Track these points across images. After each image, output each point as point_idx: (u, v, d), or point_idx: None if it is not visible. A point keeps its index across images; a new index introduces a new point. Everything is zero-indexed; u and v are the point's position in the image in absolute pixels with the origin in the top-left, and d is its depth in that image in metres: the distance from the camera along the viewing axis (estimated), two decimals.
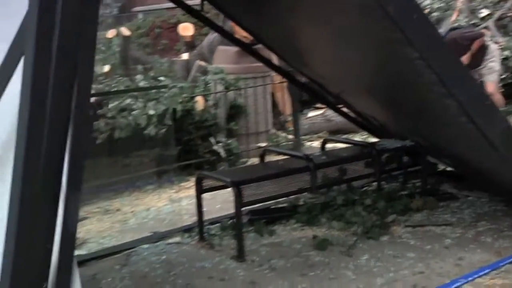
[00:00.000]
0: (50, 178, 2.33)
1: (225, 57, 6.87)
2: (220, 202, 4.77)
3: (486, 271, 3.48)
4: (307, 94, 5.92)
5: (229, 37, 5.00)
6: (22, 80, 2.26)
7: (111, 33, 7.26)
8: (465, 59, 6.56)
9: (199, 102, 6.11)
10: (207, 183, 4.16)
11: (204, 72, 6.66)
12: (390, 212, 4.43)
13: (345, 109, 5.36)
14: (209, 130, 6.14)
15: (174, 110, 5.62)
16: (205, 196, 4.33)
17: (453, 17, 8.88)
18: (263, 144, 6.51)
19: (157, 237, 4.27)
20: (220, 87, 6.37)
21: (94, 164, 5.52)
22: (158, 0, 11.84)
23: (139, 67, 7.14)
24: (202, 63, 7.10)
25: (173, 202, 5.25)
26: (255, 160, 5.57)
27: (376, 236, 4.08)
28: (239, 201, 3.83)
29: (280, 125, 7.54)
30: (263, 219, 4.41)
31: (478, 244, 3.89)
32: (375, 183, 4.86)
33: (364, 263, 3.70)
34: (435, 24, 8.39)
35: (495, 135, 3.55)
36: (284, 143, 6.82)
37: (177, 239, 4.26)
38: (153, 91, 5.83)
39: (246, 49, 4.99)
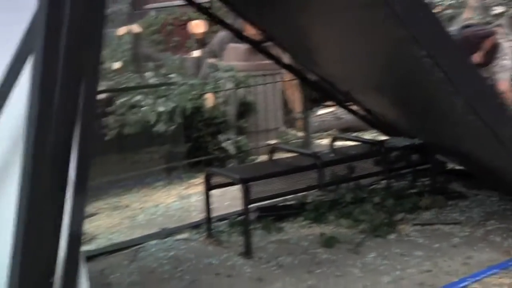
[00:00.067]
0: (57, 174, 2.35)
1: (235, 55, 6.88)
2: (229, 199, 4.78)
3: (495, 270, 3.47)
4: (317, 92, 5.91)
5: (238, 35, 5.01)
6: (31, 78, 2.29)
7: (122, 30, 7.29)
8: (477, 57, 6.51)
9: (209, 99, 6.13)
10: (215, 180, 4.18)
11: (215, 69, 6.67)
12: (398, 210, 4.43)
13: (354, 107, 5.35)
14: (218, 127, 6.16)
15: (184, 107, 5.64)
16: (214, 193, 4.35)
17: (466, 15, 8.81)
18: (273, 142, 6.51)
19: (165, 233, 4.30)
20: (230, 85, 6.38)
21: (104, 161, 5.57)
22: None
23: (150, 64, 7.17)
24: (213, 60, 7.11)
25: (182, 199, 5.28)
26: (264, 158, 5.58)
27: (383, 234, 4.07)
28: (247, 198, 3.84)
29: (290, 123, 7.54)
30: (271, 216, 4.42)
31: (487, 243, 3.87)
32: (384, 181, 4.86)
33: (371, 261, 3.70)
34: (447, 21, 8.35)
35: (505, 133, 3.53)
36: (293, 141, 6.83)
37: (185, 235, 4.29)
38: (163, 88, 5.85)
39: (256, 46, 5.00)
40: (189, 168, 5.88)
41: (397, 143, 4.63)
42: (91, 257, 3.95)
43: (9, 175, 2.50)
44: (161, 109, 5.57)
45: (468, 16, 8.70)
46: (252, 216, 4.31)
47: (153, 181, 5.76)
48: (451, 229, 4.16)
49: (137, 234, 4.41)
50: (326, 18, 3.70)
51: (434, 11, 7.11)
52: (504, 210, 4.43)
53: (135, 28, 7.16)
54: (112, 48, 6.77)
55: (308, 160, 4.21)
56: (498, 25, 8.31)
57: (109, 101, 5.71)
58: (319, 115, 7.76)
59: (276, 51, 5.27)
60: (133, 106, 5.68)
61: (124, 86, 6.01)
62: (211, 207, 4.23)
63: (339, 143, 5.33)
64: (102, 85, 5.86)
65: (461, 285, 3.35)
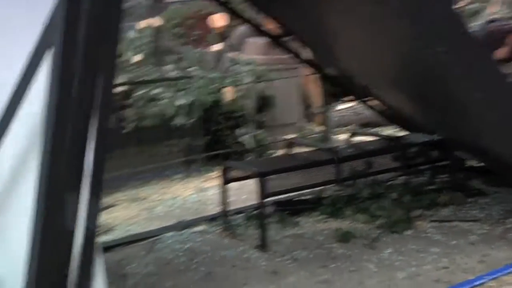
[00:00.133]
0: (74, 167, 2.39)
1: (255, 49, 6.88)
2: (247, 193, 4.79)
3: None
4: (336, 87, 5.89)
5: (258, 29, 5.00)
6: (49, 72, 2.33)
7: (143, 24, 7.33)
8: (502, 52, 6.41)
9: (228, 93, 6.14)
10: (232, 173, 4.20)
11: (234, 63, 6.68)
12: (416, 206, 4.40)
13: (373, 102, 5.32)
14: (237, 121, 6.17)
15: (203, 101, 5.67)
16: (232, 186, 4.38)
17: (490, 9, 8.68)
18: (291, 136, 6.51)
19: (182, 226, 4.33)
20: (249, 78, 6.38)
21: (123, 153, 5.64)
22: None
23: (171, 57, 7.20)
24: (233, 54, 7.12)
25: (199, 192, 5.31)
26: (282, 152, 5.58)
27: (400, 230, 4.05)
28: (263, 192, 3.85)
29: (310, 117, 7.52)
30: (287, 210, 4.43)
31: (505, 241, 3.82)
32: (402, 177, 4.83)
33: (387, 257, 3.68)
34: (471, 16, 8.24)
35: None
36: (312, 136, 6.81)
37: (201, 228, 4.32)
38: (183, 81, 5.88)
39: (275, 41, 4.99)
40: (207, 161, 5.92)
41: (415, 139, 4.60)
42: (109, 247, 4.01)
43: (28, 168, 2.55)
44: (180, 102, 5.60)
45: (493, 11, 8.58)
46: (269, 210, 4.33)
47: (171, 173, 5.81)
48: (469, 226, 4.12)
49: (154, 226, 4.45)
50: (345, 12, 3.68)
51: (458, 5, 7.04)
52: None
53: (156, 21, 7.19)
54: (132, 41, 6.81)
55: (326, 155, 4.21)
56: None
57: (128, 94, 5.75)
58: (339, 110, 7.73)
59: (295, 45, 5.25)
60: (152, 99, 5.72)
61: (143, 79, 6.05)
62: (228, 200, 4.26)
63: (357, 138, 5.33)
64: (122, 78, 5.93)
65: (478, 282, 3.31)
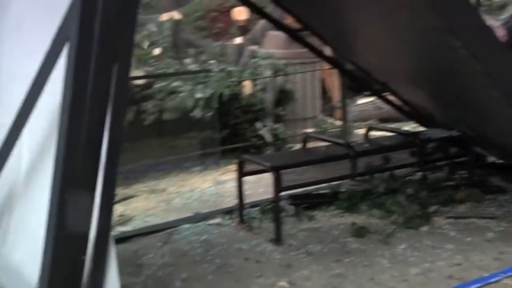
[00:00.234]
0: (90, 157, 2.45)
1: (275, 42, 6.89)
2: (264, 186, 4.82)
3: None
4: (354, 82, 5.88)
5: (276, 23, 5.02)
6: (66, 65, 2.39)
7: (165, 16, 7.39)
8: None
9: (247, 87, 6.17)
10: (248, 167, 4.23)
11: (254, 56, 6.70)
12: (432, 202, 4.39)
13: (392, 98, 5.30)
14: (256, 115, 6.19)
15: (221, 93, 5.70)
16: (249, 179, 4.42)
17: None
18: (310, 130, 6.52)
19: (198, 218, 4.39)
20: (268, 72, 6.40)
21: (143, 145, 5.72)
22: None
23: (191, 50, 7.25)
24: (254, 47, 7.13)
25: (217, 184, 5.36)
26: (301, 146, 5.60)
27: (416, 226, 4.05)
28: (278, 186, 3.88)
29: (329, 112, 7.51)
30: (303, 204, 4.45)
31: None
32: (419, 173, 4.81)
33: (401, 252, 3.69)
34: (498, 10, 8.13)
35: None
36: (332, 130, 6.81)
37: (217, 220, 4.37)
38: (202, 74, 5.92)
39: (292, 35, 5.00)
40: (226, 154, 5.96)
41: (433, 134, 4.57)
42: (127, 238, 4.09)
43: (46, 159, 2.62)
44: (198, 95, 5.64)
45: None
46: (284, 203, 4.36)
47: (190, 166, 5.87)
48: (486, 223, 4.10)
49: (172, 217, 4.51)
50: (364, 8, 3.68)
51: None
52: None
53: (176, 15, 7.25)
54: (153, 34, 6.88)
55: (341, 150, 4.22)
56: None
57: (148, 87, 5.82)
58: (359, 104, 7.70)
59: (313, 40, 5.25)
60: (172, 92, 5.77)
61: (163, 71, 6.11)
62: (245, 193, 4.30)
63: (376, 133, 5.32)
64: (142, 71, 6.00)
65: (492, 280, 3.30)
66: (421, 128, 5.30)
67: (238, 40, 7.78)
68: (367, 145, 4.52)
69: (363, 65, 4.89)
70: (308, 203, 4.47)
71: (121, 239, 3.99)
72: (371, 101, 7.56)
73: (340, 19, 4.22)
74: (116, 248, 3.39)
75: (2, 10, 3.33)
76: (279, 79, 6.50)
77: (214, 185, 5.36)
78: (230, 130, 6.04)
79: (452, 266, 3.48)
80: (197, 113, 5.70)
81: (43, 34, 2.59)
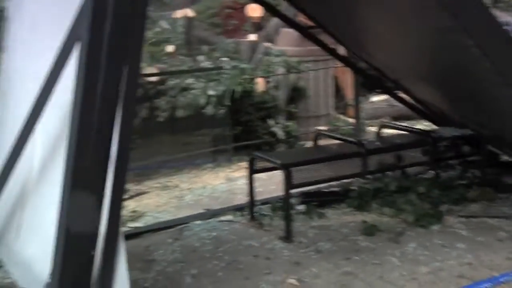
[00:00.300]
0: (100, 154, 2.48)
1: (288, 39, 6.88)
2: (275, 183, 4.83)
3: None
4: (366, 80, 5.86)
5: (288, 21, 5.02)
6: (77, 64, 2.43)
7: (179, 13, 7.43)
8: None
9: (260, 84, 6.18)
10: (259, 164, 4.25)
11: (266, 53, 6.71)
12: (444, 201, 4.37)
13: (404, 96, 5.28)
14: (268, 112, 6.20)
15: (233, 91, 5.72)
16: (261, 176, 4.44)
17: None
18: (323, 128, 6.51)
19: (209, 214, 4.41)
20: (281, 69, 6.40)
21: (156, 142, 5.76)
22: None
23: (204, 47, 7.28)
24: (268, 44, 7.13)
25: (229, 181, 5.38)
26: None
27: (426, 224, 4.04)
28: (289, 183, 3.89)
29: (343, 109, 7.50)
30: (314, 201, 4.45)
31: None
32: (432, 172, 4.79)
33: (411, 251, 3.68)
34: None
35: None
36: (344, 127, 6.79)
37: (228, 217, 4.38)
38: (215, 71, 5.94)
39: (305, 33, 4.99)
40: (238, 151, 5.97)
41: (445, 133, 4.55)
42: (138, 233, 4.13)
43: (58, 155, 2.65)
44: (211, 92, 5.66)
45: None
46: (296, 201, 4.37)
47: (202, 162, 5.90)
48: (498, 222, 4.08)
49: (183, 213, 4.54)
50: (376, 7, 3.67)
51: None
52: None
53: (189, 12, 7.27)
54: (166, 31, 6.91)
55: (352, 148, 4.21)
56: None
57: (161, 83, 5.85)
58: (373, 102, 7.67)
59: (326, 38, 5.24)
60: (184, 89, 5.80)
61: (176, 69, 6.14)
62: (256, 190, 4.31)
63: (389, 131, 5.30)
64: (155, 68, 6.04)
65: (502, 279, 3.28)
66: (434, 127, 5.29)
67: (252, 37, 7.79)
68: (378, 143, 4.51)
69: (375, 63, 4.88)
70: (318, 201, 4.47)
71: (132, 235, 4.03)
72: (385, 99, 7.53)
73: (352, 18, 4.21)
74: (127, 243, 3.43)
75: (16, 10, 3.38)
76: (292, 76, 6.50)
77: (226, 182, 5.38)
78: (243, 127, 6.05)
79: (463, 265, 3.46)
80: (209, 110, 5.72)
81: (55, 34, 2.63)
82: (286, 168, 3.85)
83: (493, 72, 3.27)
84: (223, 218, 4.37)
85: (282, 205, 4.13)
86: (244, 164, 5.75)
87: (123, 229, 2.76)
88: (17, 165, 2.95)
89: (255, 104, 6.12)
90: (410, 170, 4.78)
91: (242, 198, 4.72)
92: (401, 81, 4.84)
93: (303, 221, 4.24)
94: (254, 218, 4.27)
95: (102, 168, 2.49)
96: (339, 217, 4.33)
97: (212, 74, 5.94)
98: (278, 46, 7.04)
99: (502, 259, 3.52)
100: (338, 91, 7.52)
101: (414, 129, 4.94)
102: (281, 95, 6.38)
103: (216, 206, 4.66)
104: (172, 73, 5.98)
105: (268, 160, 4.14)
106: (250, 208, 4.29)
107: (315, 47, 6.22)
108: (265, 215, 4.35)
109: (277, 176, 4.53)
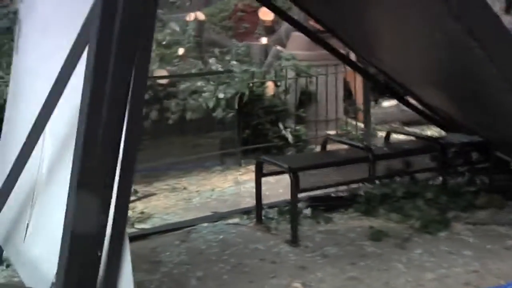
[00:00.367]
0: (107, 155, 2.51)
1: (298, 43, 6.89)
2: (283, 187, 4.84)
3: None
4: (376, 85, 5.86)
5: (297, 25, 5.03)
6: (86, 66, 2.46)
7: (191, 16, 7.47)
8: None
9: (270, 87, 6.19)
10: (267, 168, 4.26)
11: (278, 57, 6.72)
12: (451, 207, 4.36)
13: (413, 101, 5.27)
14: (278, 116, 6.22)
15: (241, 94, 5.74)
16: (269, 180, 4.46)
17: None
18: (332, 132, 6.52)
19: (217, 217, 4.43)
20: (291, 73, 6.41)
21: (166, 144, 5.79)
22: None
23: (216, 50, 7.31)
24: (280, 48, 7.15)
25: (237, 184, 5.40)
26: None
27: (434, 231, 4.03)
28: (296, 187, 3.90)
29: (353, 114, 7.49)
30: (322, 206, 4.46)
31: None
32: (439, 178, 4.78)
33: (417, 257, 3.68)
34: None
35: None
36: (354, 132, 6.79)
37: (235, 220, 4.40)
38: (225, 75, 5.97)
39: (314, 37, 5.00)
40: (247, 154, 5.99)
41: (454, 139, 4.54)
42: (146, 235, 4.15)
43: (66, 156, 2.68)
44: (221, 95, 5.69)
45: None
46: (303, 205, 4.38)
47: (212, 165, 5.92)
48: (506, 230, 4.05)
49: (190, 216, 4.56)
50: (384, 12, 3.67)
51: None
52: None
53: (200, 15, 7.31)
54: (177, 34, 6.95)
55: (360, 153, 4.22)
56: None
57: (172, 86, 5.88)
58: (384, 107, 7.66)
59: (336, 42, 5.24)
60: (194, 92, 5.83)
61: (186, 72, 6.17)
62: (264, 194, 4.33)
63: (400, 137, 5.30)
64: (165, 71, 6.07)
65: None
66: (444, 133, 5.27)
67: (264, 40, 7.82)
68: (386, 148, 4.51)
69: (384, 68, 4.88)
70: (326, 205, 4.47)
71: (140, 237, 4.06)
72: (395, 104, 7.52)
73: (361, 23, 4.22)
74: (134, 245, 3.47)
75: (28, 12, 3.43)
76: (302, 80, 6.51)
77: (234, 185, 5.40)
78: (252, 131, 6.07)
79: (469, 273, 3.45)
80: (218, 113, 5.75)
81: (66, 35, 2.67)
82: (293, 172, 3.86)
83: (499, 78, 3.27)
84: (230, 221, 4.38)
85: (289, 209, 4.14)
86: (253, 167, 5.76)
87: (128, 230, 2.78)
88: (26, 165, 2.98)
89: (265, 108, 6.14)
90: (419, 176, 4.77)
91: (250, 201, 4.72)
92: (410, 86, 4.83)
93: (310, 225, 4.25)
94: (261, 221, 4.29)
95: (109, 169, 2.52)
96: (346, 222, 4.33)
97: (222, 77, 5.96)
98: (288, 50, 7.05)
99: (510, 268, 3.50)
100: (349, 96, 7.52)
101: (422, 135, 4.94)
102: (291, 99, 6.40)
103: (224, 209, 4.68)
104: (182, 76, 6.01)
105: (275, 164, 4.15)
106: (257, 211, 4.31)
107: (326, 52, 6.25)
108: (272, 219, 4.36)
109: (285, 180, 4.53)
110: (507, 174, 4.89)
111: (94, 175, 2.49)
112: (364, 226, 4.19)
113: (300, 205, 4.27)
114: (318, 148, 6.27)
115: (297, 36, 7.05)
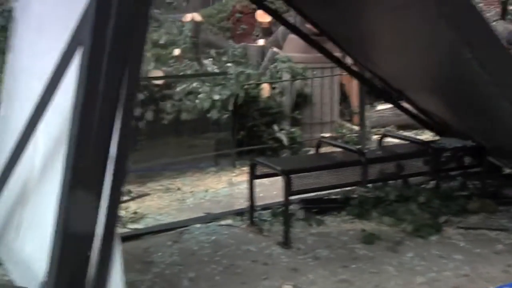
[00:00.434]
0: (99, 155, 2.52)
1: (294, 46, 6.90)
2: (277, 189, 4.84)
3: None
4: (371, 89, 5.88)
5: (292, 28, 5.05)
6: (79, 67, 2.47)
7: (188, 17, 7.48)
8: None
9: (265, 89, 6.21)
10: (260, 169, 4.27)
11: (274, 59, 6.74)
12: (444, 212, 4.38)
13: (408, 105, 5.29)
14: (273, 118, 6.23)
15: (237, 95, 5.75)
16: (263, 182, 4.46)
17: None
18: (327, 135, 6.53)
19: (210, 218, 4.44)
20: (287, 76, 6.43)
21: (161, 144, 5.79)
22: None
23: (212, 51, 7.32)
24: (277, 50, 7.16)
25: (231, 185, 5.41)
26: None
27: (425, 235, 4.05)
28: (288, 190, 3.91)
29: (348, 116, 7.51)
30: (314, 208, 4.47)
31: None
32: (432, 182, 4.80)
33: (408, 261, 3.70)
34: None
35: None
36: (349, 135, 6.81)
37: (228, 221, 4.41)
38: (221, 76, 5.98)
39: (309, 41, 5.01)
40: (242, 156, 5.99)
41: (447, 144, 4.56)
42: (138, 235, 4.16)
43: (58, 156, 2.69)
44: (216, 97, 5.70)
45: None
46: (296, 207, 4.39)
47: (206, 166, 5.92)
48: (496, 235, 4.08)
49: (184, 216, 4.56)
50: (380, 18, 3.70)
51: None
52: None
53: (196, 16, 7.32)
54: (173, 34, 6.95)
55: (353, 156, 4.23)
56: None
57: (167, 87, 5.89)
58: (378, 110, 7.68)
59: (330, 46, 5.26)
60: (190, 93, 5.84)
61: (182, 73, 6.18)
62: (257, 195, 4.34)
63: (393, 140, 5.31)
64: (161, 71, 6.08)
65: None
66: (437, 137, 5.29)
67: (261, 42, 7.83)
68: (379, 152, 4.52)
69: (379, 73, 4.90)
70: (318, 208, 4.48)
71: (132, 237, 4.07)
72: (391, 107, 7.53)
73: (356, 28, 4.24)
74: (127, 245, 3.48)
75: (22, 11, 3.43)
76: (298, 82, 6.52)
77: (228, 186, 5.41)
78: (247, 132, 6.08)
79: (459, 276, 3.47)
80: (213, 114, 5.76)
81: (61, 34, 2.68)
82: (286, 174, 3.88)
83: (491, 84, 3.29)
84: (223, 222, 4.39)
85: (282, 211, 4.15)
86: (247, 169, 5.78)
87: (121, 230, 2.79)
88: (18, 164, 2.99)
89: (260, 110, 6.15)
90: (412, 180, 4.79)
91: (243, 203, 4.73)
92: (405, 91, 4.85)
93: (302, 228, 4.26)
94: (253, 223, 4.30)
95: (101, 169, 2.53)
96: (339, 224, 4.35)
97: (217, 79, 5.97)
98: (285, 52, 7.06)
99: (499, 272, 3.53)
100: (345, 98, 7.54)
101: (415, 139, 4.96)
102: (286, 101, 6.41)
103: (217, 210, 4.69)
104: (177, 77, 6.01)
105: (268, 166, 4.17)
106: (250, 213, 4.32)
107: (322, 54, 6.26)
108: (264, 221, 4.37)
109: (279, 182, 4.55)
110: (499, 180, 4.92)
111: (86, 174, 2.50)
112: (356, 229, 4.20)
113: (292, 207, 4.29)
114: (313, 151, 6.31)
115: (294, 38, 7.05)
